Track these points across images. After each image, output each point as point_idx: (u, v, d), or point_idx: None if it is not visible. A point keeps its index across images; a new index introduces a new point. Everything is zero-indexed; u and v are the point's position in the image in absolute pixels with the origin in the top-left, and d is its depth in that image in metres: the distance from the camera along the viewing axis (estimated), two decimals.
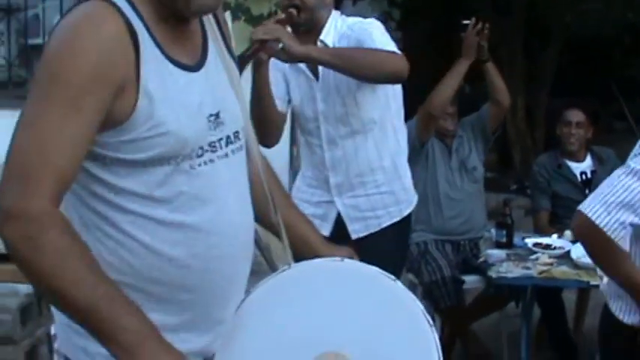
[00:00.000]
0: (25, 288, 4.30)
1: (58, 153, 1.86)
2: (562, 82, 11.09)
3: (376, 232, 3.95)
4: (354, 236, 3.91)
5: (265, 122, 3.68)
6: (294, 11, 3.62)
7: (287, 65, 3.78)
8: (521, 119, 10.40)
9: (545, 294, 5.20)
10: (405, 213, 4.08)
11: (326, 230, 3.84)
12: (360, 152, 3.92)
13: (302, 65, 3.77)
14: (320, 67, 3.73)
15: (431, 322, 2.15)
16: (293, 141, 6.15)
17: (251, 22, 6.08)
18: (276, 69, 3.76)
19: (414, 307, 2.19)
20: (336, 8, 3.96)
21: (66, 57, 1.88)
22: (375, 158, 3.95)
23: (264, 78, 3.64)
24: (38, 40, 7.88)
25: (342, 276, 2.28)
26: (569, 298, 5.71)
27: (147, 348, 1.84)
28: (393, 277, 2.25)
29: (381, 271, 2.27)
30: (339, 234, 3.84)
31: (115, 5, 1.94)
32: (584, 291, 5.76)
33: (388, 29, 3.90)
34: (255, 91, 3.63)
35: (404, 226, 4.10)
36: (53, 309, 2.11)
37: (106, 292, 1.84)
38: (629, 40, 12.96)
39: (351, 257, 2.45)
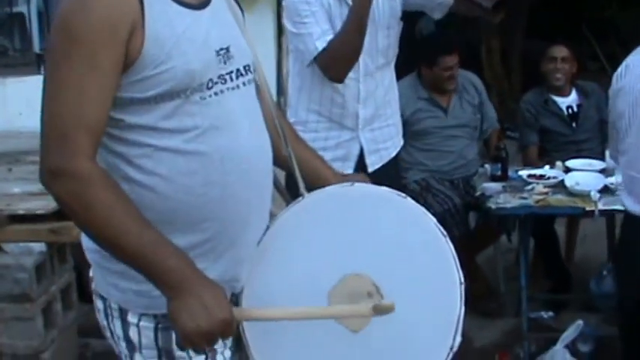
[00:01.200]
0: (39, 246, 4.38)
1: (88, 111, 1.99)
2: (534, 24, 11.13)
3: (386, 162, 4.09)
4: (370, 169, 3.98)
5: (358, 54, 3.75)
6: None
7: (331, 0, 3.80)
8: (497, 62, 10.41)
9: (539, 224, 5.32)
10: (402, 141, 4.29)
11: (350, 169, 3.91)
12: (385, 83, 4.03)
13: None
14: None
15: (444, 232, 2.26)
16: (280, 91, 6.18)
17: None
18: (320, 4, 3.79)
19: (426, 219, 2.30)
20: None
21: (76, 16, 1.98)
22: (389, 90, 4.07)
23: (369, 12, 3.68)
24: (21, 9, 7.89)
25: (356, 198, 2.37)
26: (559, 230, 5.85)
27: (191, 284, 1.99)
28: (403, 194, 2.36)
29: (390, 190, 2.38)
30: (359, 170, 3.91)
31: None
32: (573, 222, 5.94)
33: None
34: (360, 21, 3.65)
35: (399, 153, 4.29)
36: (87, 253, 2.27)
37: (150, 239, 1.99)
38: None
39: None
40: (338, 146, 3.94)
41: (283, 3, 3.98)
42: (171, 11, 2.08)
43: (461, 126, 5.61)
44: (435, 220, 2.29)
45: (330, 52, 3.72)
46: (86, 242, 2.23)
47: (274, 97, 5.97)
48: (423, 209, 2.33)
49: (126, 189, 2.07)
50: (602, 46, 12.42)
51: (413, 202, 2.35)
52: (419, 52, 5.70)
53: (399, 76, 4.41)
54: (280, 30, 5.85)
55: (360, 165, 3.98)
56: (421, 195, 5.29)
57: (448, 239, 2.24)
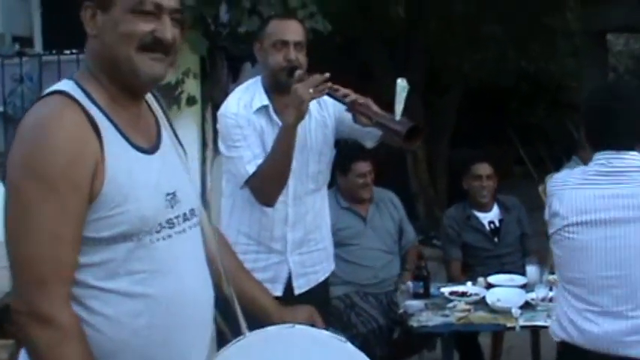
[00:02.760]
0: None
1: (64, 255, 2.04)
2: (462, 131, 11.34)
3: (314, 287, 4.08)
4: (297, 292, 3.99)
5: (286, 178, 3.77)
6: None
7: (264, 122, 3.84)
8: (424, 171, 10.58)
9: (463, 338, 5.36)
10: (333, 266, 4.29)
11: (278, 291, 3.90)
12: (315, 208, 4.05)
13: (280, 123, 3.79)
14: (299, 125, 3.74)
15: None
16: (204, 205, 6.16)
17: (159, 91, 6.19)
18: (253, 128, 3.82)
19: None
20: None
21: (43, 157, 2.01)
22: (319, 215, 4.10)
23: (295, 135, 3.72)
24: None
25: (296, 342, 2.36)
26: (484, 342, 5.90)
27: None
28: (343, 339, 2.38)
29: (331, 334, 2.41)
30: (287, 292, 3.94)
31: (72, 97, 2.09)
32: (498, 335, 5.98)
33: None
34: (287, 146, 3.68)
35: (328, 277, 4.28)
36: None
37: None
38: (525, 88, 13.36)
39: (310, 316, 2.61)
40: (266, 268, 3.93)
41: (217, 126, 3.99)
42: (127, 155, 2.13)
43: (381, 238, 5.68)
44: None
45: (259, 176, 3.74)
46: None
47: None
48: (363, 355, 2.35)
49: None
50: (527, 150, 12.67)
51: (352, 347, 2.36)
52: (335, 162, 5.77)
53: None
54: (204, 144, 5.88)
55: (288, 287, 3.98)
56: (345, 313, 5.33)
57: None
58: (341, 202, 5.70)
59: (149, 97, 2.35)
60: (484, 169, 5.91)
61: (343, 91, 3.67)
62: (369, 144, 4.02)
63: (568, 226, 3.32)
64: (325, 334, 2.40)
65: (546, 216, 3.46)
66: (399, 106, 3.45)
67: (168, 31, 2.18)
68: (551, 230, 3.42)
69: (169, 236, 2.19)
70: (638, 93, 3.45)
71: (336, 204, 5.62)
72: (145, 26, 2.15)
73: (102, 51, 2.17)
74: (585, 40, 14.01)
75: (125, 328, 2.12)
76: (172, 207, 2.21)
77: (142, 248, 2.12)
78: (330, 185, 5.60)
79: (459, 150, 9.81)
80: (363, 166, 5.66)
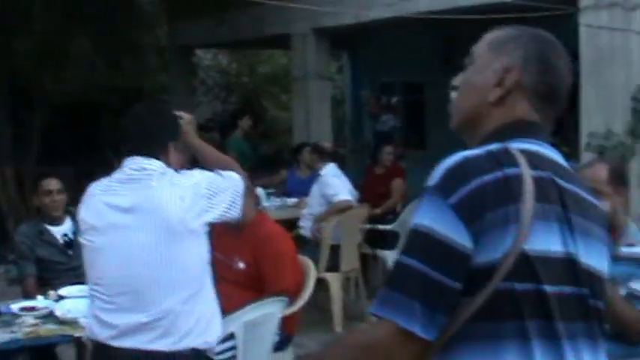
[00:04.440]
0: None
1: None
2: (53, 147, 11.32)
3: None
4: None
5: None
6: None
7: None
8: (13, 189, 10.46)
9: (40, 353, 5.41)
10: None
11: None
12: None
13: None
14: None
15: None
16: None
17: None
18: None
19: None
20: None
21: None
22: None
23: None
24: None
25: None
26: (70, 353, 6.00)
27: None
28: None
29: None
30: None
31: None
32: (82, 344, 6.09)
33: None
34: None
35: None
36: None
37: None
38: (116, 102, 13.56)
39: None
40: None
41: None
42: None
43: None
44: None
45: None
46: None
47: None
48: None
49: None
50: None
51: None
52: None
53: None
54: None
55: None
56: None
57: None
58: None
59: None
60: (53, 184, 6.03)
61: None
62: None
63: (88, 230, 3.59)
64: None
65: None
66: None
67: None
68: (79, 236, 3.67)
69: None
70: (165, 110, 3.81)
71: None
72: None
73: None
74: (174, 55, 14.55)
75: None
76: None
77: None
78: None
79: (51, 167, 9.79)
80: None
